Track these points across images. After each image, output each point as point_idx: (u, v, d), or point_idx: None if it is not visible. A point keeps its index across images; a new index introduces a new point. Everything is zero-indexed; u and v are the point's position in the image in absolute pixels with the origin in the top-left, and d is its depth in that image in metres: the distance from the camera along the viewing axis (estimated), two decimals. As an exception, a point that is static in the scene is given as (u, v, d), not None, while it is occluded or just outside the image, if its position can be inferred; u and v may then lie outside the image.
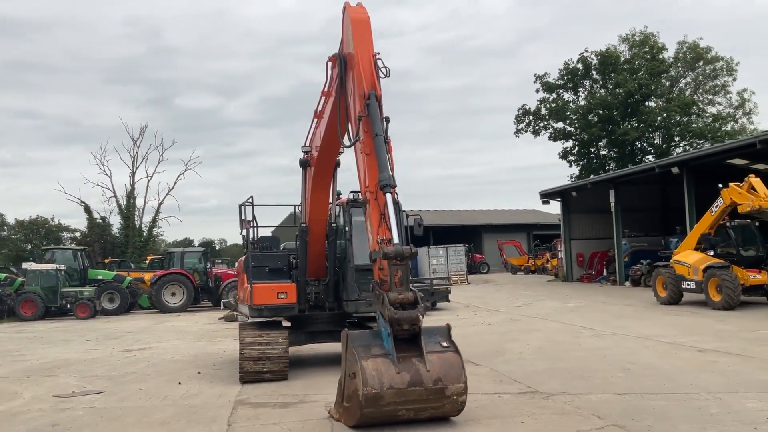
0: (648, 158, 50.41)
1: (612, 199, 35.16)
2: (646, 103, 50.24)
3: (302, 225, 12.02)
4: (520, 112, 54.19)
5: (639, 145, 51.23)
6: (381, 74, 8.81)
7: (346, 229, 12.07)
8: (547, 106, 53.08)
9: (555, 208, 47.78)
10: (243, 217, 13.07)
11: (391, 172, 8.19)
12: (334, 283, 12.24)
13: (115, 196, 53.34)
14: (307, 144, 11.77)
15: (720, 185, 21.80)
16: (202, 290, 31.68)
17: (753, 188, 20.33)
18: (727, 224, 22.63)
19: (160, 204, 53.94)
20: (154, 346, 17.10)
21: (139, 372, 12.73)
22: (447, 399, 7.37)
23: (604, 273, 37.95)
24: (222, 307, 28.13)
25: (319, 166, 11.43)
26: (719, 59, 52.78)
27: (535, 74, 53.79)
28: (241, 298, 13.24)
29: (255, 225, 13.04)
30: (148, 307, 31.45)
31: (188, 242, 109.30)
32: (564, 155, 54.36)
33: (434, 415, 7.49)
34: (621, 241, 35.55)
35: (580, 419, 7.72)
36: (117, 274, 32.14)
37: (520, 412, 8.15)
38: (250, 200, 13.09)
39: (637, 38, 53.12)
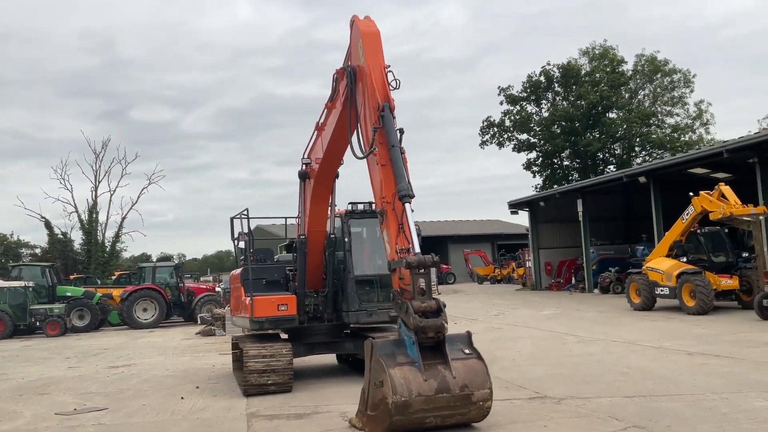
0: (610, 168, 51.57)
1: (580, 208, 35.89)
2: (608, 115, 51.49)
3: (301, 237, 12.05)
4: (485, 124, 54.99)
5: (601, 156, 52.40)
6: (391, 86, 8.97)
7: (346, 240, 12.13)
8: (512, 118, 53.98)
9: (519, 218, 48.67)
10: (241, 231, 13.04)
11: (408, 182, 8.33)
12: (332, 295, 12.29)
13: (77, 211, 52.24)
14: (307, 156, 11.82)
15: (691, 193, 22.48)
16: (174, 305, 31.21)
17: (723, 196, 21.02)
18: (698, 231, 23.36)
19: (124, 218, 53.04)
20: (138, 363, 16.83)
21: (134, 388, 12.53)
22: (473, 405, 7.49)
23: (573, 281, 38.64)
24: (198, 322, 27.77)
25: (319, 178, 11.50)
26: (676, 71, 54.45)
27: (499, 87, 54.70)
28: (237, 311, 13.16)
29: (251, 237, 13.04)
30: (117, 323, 30.85)
31: (146, 257, 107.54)
32: (528, 166, 55.28)
33: (460, 421, 7.60)
34: (589, 250, 36.27)
35: (599, 422, 7.92)
36: (86, 290, 31.47)
37: (538, 416, 8.31)
38: (245, 213, 13.08)
39: (597, 51, 54.44)
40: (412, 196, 8.27)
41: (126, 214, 52.96)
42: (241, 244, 13.31)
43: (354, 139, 9.27)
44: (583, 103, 49.88)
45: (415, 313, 7.50)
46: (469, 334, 8.02)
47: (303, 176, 11.90)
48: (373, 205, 12.36)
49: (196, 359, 16.99)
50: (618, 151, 53.37)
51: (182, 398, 11.15)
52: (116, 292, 33.01)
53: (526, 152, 54.58)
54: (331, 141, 10.66)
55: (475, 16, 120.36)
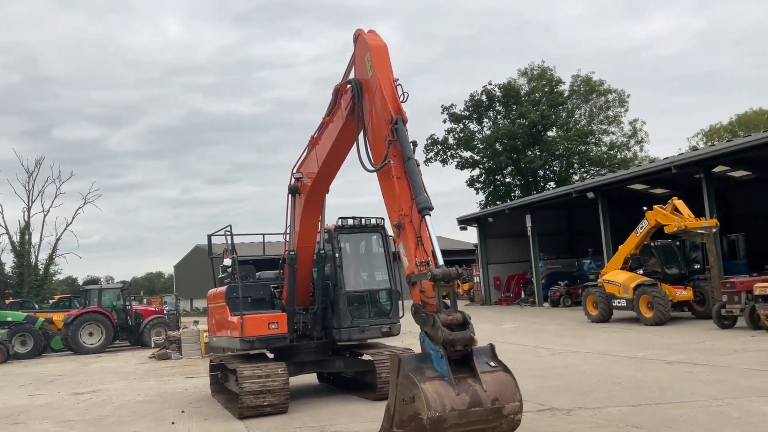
0: (550, 185, 52.93)
1: (528, 223, 36.62)
2: (547, 133, 52.92)
3: (291, 252, 11.80)
4: (429, 141, 55.66)
5: (542, 173, 53.73)
6: (400, 99, 8.93)
7: (336, 255, 11.95)
8: (455, 135, 54.79)
9: (463, 234, 49.15)
10: (227, 248, 12.69)
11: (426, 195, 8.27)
12: (321, 312, 12.07)
13: (8, 233, 49.87)
14: (299, 170, 11.60)
15: (645, 208, 23.24)
16: (121, 329, 30.03)
17: (677, 210, 21.82)
18: (652, 244, 24.14)
19: (58, 239, 50.96)
20: (103, 388, 16.07)
21: (114, 414, 11.95)
22: (504, 418, 7.42)
23: (522, 295, 39.27)
24: (152, 345, 26.82)
25: (312, 192, 11.31)
26: (611, 92, 56.51)
27: (442, 105, 55.62)
28: (221, 330, 12.71)
29: (235, 255, 12.70)
30: (60, 349, 29.47)
31: (72, 281, 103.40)
32: (471, 183, 56.14)
33: (491, 434, 7.52)
34: (538, 264, 36.97)
35: (619, 430, 7.99)
36: (28, 315, 29.94)
37: (557, 428, 8.33)
38: (228, 229, 12.76)
39: (536, 72, 55.96)
40: (432, 209, 8.21)
41: (60, 235, 50.95)
42: (227, 261, 12.98)
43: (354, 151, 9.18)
44: (524, 121, 51.12)
45: (443, 326, 7.42)
46: (492, 347, 7.97)
47: (293, 191, 11.65)
48: (364, 220, 12.38)
49: (163, 383, 16.36)
50: (557, 169, 54.83)
51: (173, 423, 10.70)
52: (57, 317, 31.63)
53: (469, 169, 55.48)
54: (329, 155, 10.50)
55: (408, 37, 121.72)
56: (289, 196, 11.80)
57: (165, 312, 34.30)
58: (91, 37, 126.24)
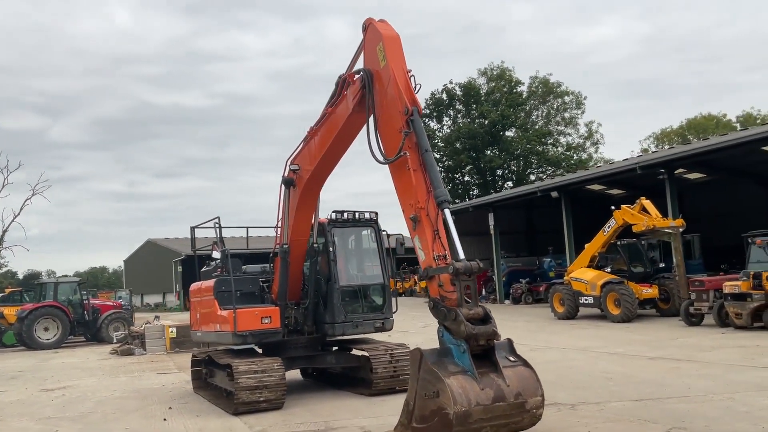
0: (508, 185, 53.54)
1: (491, 221, 36.94)
2: (506, 133, 53.51)
3: (284, 246, 11.54)
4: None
5: (500, 173, 54.30)
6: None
7: (330, 249, 11.75)
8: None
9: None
10: (216, 240, 12.36)
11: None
12: (313, 306, 11.87)
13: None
14: (295, 162, 11.36)
15: (612, 207, 23.67)
16: (78, 324, 29.07)
17: (645, 209, 22.29)
18: (618, 243, 24.61)
19: (5, 232, 49.07)
20: (72, 385, 15.48)
21: (98, 411, 11.50)
22: (527, 413, 7.39)
23: (483, 292, 39.57)
24: (114, 340, 26.05)
25: (308, 185, 11.09)
26: (568, 93, 57.48)
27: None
28: (207, 325, 12.36)
29: (224, 247, 12.39)
30: (13, 344, 28.40)
31: (11, 274, 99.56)
32: (430, 181, 56.22)
33: (512, 429, 7.47)
34: (500, 262, 37.34)
35: (637, 425, 8.06)
36: (-21, 309, 28.73)
37: (570, 422, 8.33)
38: (217, 222, 12.43)
39: (495, 72, 56.50)
40: (451, 202, 8.12)
41: (7, 228, 49.07)
42: (215, 254, 12.64)
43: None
44: (484, 120, 51.57)
45: (466, 321, 7.35)
46: (510, 341, 7.94)
47: (288, 183, 11.39)
48: (358, 214, 12.22)
49: (136, 380, 15.87)
50: (515, 168, 55.50)
51: (165, 420, 10.35)
52: (8, 311, 30.46)
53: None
54: (330, 146, 10.31)
55: (360, 33, 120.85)
56: (283, 188, 11.56)
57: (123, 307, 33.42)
58: (34, 23, 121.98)
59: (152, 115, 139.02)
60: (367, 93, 9.05)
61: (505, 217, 39.48)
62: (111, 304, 32.17)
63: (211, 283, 12.20)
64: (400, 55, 8.91)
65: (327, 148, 10.36)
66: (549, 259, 36.86)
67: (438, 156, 54.94)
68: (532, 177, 54.27)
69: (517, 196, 36.72)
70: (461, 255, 7.75)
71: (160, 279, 66.45)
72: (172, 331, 23.36)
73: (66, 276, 68.14)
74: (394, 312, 12.13)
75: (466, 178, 55.69)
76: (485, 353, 7.50)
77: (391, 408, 10.08)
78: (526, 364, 7.68)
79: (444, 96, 54.38)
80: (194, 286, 13.46)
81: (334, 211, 12.01)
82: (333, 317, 11.55)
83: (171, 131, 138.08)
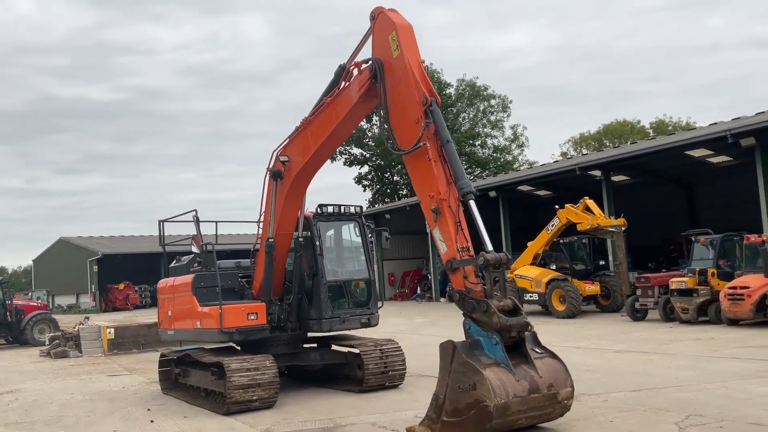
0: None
1: (428, 221, 37.18)
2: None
3: (270, 240, 11.17)
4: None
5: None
6: None
7: (317, 243, 11.46)
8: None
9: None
10: (195, 234, 11.81)
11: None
12: (297, 302, 11.54)
13: None
14: (284, 153, 11.01)
15: (556, 206, 24.31)
16: (0, 325, 27.31)
17: (588, 209, 23.01)
18: (560, 241, 25.30)
19: None
20: (19, 389, 14.47)
21: (69, 415, 10.78)
22: (558, 404, 7.43)
23: (418, 291, 39.86)
24: (47, 343, 24.55)
25: (298, 177, 10.81)
26: (494, 97, 58.70)
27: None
28: (181, 322, 11.80)
29: (202, 242, 11.88)
30: (-77, 347, 26.39)
31: None
32: (359, 180, 56.30)
33: (544, 420, 7.51)
34: (436, 260, 37.65)
35: (650, 413, 8.25)
36: None
37: (583, 414, 8.42)
38: (195, 214, 11.92)
39: (424, 73, 56.91)
40: (475, 193, 8.07)
41: None
42: (194, 249, 12.10)
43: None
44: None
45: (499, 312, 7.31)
46: (534, 333, 7.95)
47: (276, 175, 11.03)
48: (343, 208, 11.99)
49: (88, 382, 14.98)
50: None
51: (152, 421, 9.81)
52: None
53: (358, 166, 55.58)
54: (330, 136, 10.06)
55: (278, 31, 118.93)
56: (269, 180, 11.19)
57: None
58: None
59: (55, 108, 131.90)
60: (379, 83, 8.86)
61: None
62: (36, 304, 30.39)
63: (188, 278, 11.67)
64: (414, 44, 8.80)
65: (325, 138, 10.10)
66: (483, 258, 37.41)
67: (368, 155, 55.01)
68: (469, 177, 55.08)
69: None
70: (489, 246, 7.71)
71: (74, 279, 63.33)
72: (109, 332, 22.30)
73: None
74: (380, 307, 11.96)
75: (395, 178, 55.94)
76: (514, 345, 7.49)
77: (391, 403, 9.98)
78: (553, 355, 7.73)
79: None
80: (164, 282, 12.84)
81: (320, 205, 11.73)
82: (320, 313, 11.26)
83: (75, 125, 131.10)
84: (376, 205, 49.37)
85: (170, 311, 12.34)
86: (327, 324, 11.30)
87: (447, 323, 24.50)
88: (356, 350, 11.30)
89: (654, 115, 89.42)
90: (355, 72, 9.54)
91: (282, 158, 10.97)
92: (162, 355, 12.87)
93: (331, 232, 11.98)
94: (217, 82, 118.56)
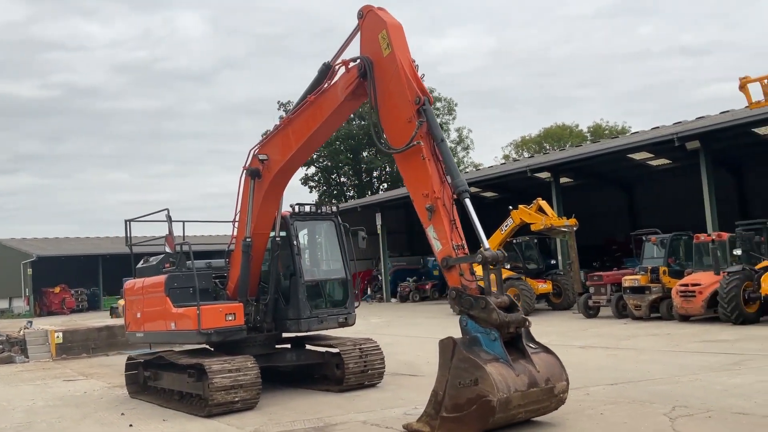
0: (384, 186, 54.33)
1: (378, 221, 37.36)
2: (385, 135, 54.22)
3: (247, 239, 11.02)
4: (264, 138, 54.53)
5: (376, 174, 55.00)
6: None
7: (294, 243, 11.38)
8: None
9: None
10: (168, 233, 11.54)
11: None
12: (273, 302, 11.42)
13: None
14: (263, 152, 10.88)
15: (510, 207, 24.77)
16: (-67, 331, 25.99)
17: (541, 209, 23.54)
18: (513, 242, 25.79)
19: None
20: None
21: (38, 421, 10.35)
22: (554, 397, 7.60)
23: (368, 291, 39.91)
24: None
25: (278, 176, 10.72)
26: (440, 100, 59.23)
27: (278, 101, 54.83)
28: (152, 323, 11.50)
29: (174, 241, 11.64)
30: None
31: None
32: (305, 181, 55.99)
33: (540, 414, 7.67)
34: (387, 261, 37.83)
35: (636, 406, 8.50)
36: None
37: (573, 408, 8.56)
38: (167, 213, 11.68)
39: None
40: (470, 192, 8.18)
41: None
42: (168, 249, 11.82)
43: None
44: (362, 122, 51.99)
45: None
46: (528, 329, 8.08)
47: (254, 174, 10.88)
48: (318, 207, 11.95)
49: (46, 388, 14.44)
50: (389, 169, 56.45)
51: (131, 425, 9.55)
52: None
53: (304, 167, 55.17)
54: (313, 134, 10.00)
55: (215, 30, 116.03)
56: (246, 178, 11.04)
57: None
58: None
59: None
60: (369, 81, 8.87)
61: (390, 217, 40.10)
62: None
63: (160, 279, 11.38)
64: (405, 43, 8.84)
65: (308, 136, 10.03)
66: (433, 258, 37.85)
67: (315, 156, 54.68)
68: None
69: (406, 196, 37.36)
70: (486, 244, 7.83)
71: (6, 282, 60.75)
72: (58, 337, 21.54)
73: None
74: (356, 307, 11.96)
75: (342, 179, 55.87)
76: (511, 340, 7.61)
77: (376, 402, 9.99)
78: (547, 350, 7.89)
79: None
80: (131, 283, 12.49)
81: (297, 204, 11.63)
82: (298, 313, 11.17)
83: (2, 123, 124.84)
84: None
85: (139, 313, 12.01)
86: (305, 324, 11.22)
87: (402, 323, 24.71)
88: (336, 349, 11.25)
89: (589, 120, 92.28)
90: (342, 70, 9.51)
91: (261, 156, 10.83)
92: (129, 358, 12.53)
93: (306, 232, 11.91)
94: (151, 81, 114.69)
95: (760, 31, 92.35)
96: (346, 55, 9.60)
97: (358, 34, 9.26)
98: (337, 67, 9.59)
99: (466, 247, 8.04)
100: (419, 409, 8.91)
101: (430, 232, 8.25)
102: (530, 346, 7.80)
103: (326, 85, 9.72)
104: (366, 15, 9.07)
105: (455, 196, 8.17)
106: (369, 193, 52.45)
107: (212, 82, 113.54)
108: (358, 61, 9.09)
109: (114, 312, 36.94)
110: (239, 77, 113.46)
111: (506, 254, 8.16)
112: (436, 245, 8.17)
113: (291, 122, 10.37)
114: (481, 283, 7.74)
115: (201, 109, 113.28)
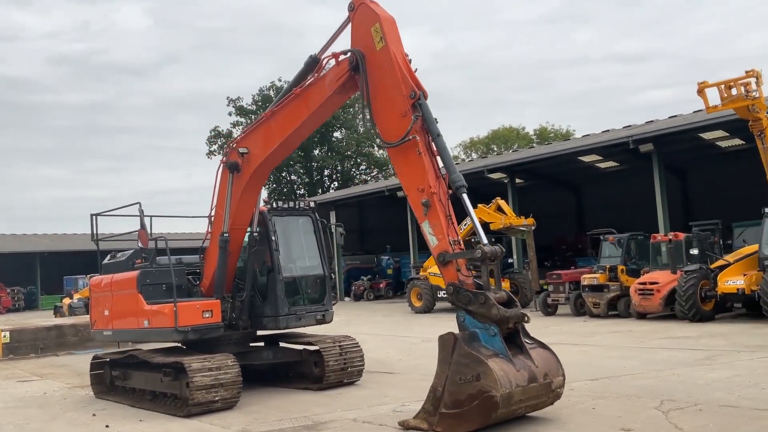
0: (334, 184, 54.12)
1: (333, 219, 37.09)
2: (335, 134, 54.10)
3: (224, 235, 10.75)
4: (212, 134, 53.86)
5: (327, 172, 54.74)
6: None
7: (273, 238, 11.15)
8: (243, 129, 53.53)
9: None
10: (141, 228, 11.12)
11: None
12: (249, 299, 11.18)
13: None
14: (243, 144, 10.62)
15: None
16: None
17: (500, 209, 23.80)
18: (472, 240, 25.95)
19: None
20: None
21: (4, 423, 9.83)
22: (552, 392, 7.65)
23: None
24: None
25: (258, 170, 10.50)
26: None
27: (228, 97, 54.08)
28: (122, 320, 11.10)
29: (151, 236, 11.27)
30: None
31: None
32: (254, 178, 55.16)
33: (538, 408, 7.72)
34: (341, 260, 37.65)
35: (624, 400, 8.64)
36: None
37: (564, 402, 8.64)
38: (140, 207, 11.28)
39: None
40: (467, 186, 8.16)
41: None
42: (140, 244, 11.41)
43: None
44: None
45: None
46: (524, 325, 8.10)
47: (233, 168, 10.61)
48: (295, 203, 11.80)
49: (8, 388, 13.83)
50: (341, 168, 56.29)
51: (107, 426, 9.18)
52: None
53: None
54: (298, 128, 9.81)
55: (156, 23, 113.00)
56: (224, 172, 10.77)
57: None
58: None
59: None
60: (361, 75, 8.75)
61: (342, 216, 39.93)
62: None
63: (132, 275, 11.00)
64: (398, 37, 8.77)
65: (293, 130, 9.84)
66: (387, 257, 37.96)
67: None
68: (366, 178, 55.52)
69: (362, 194, 37.40)
70: (484, 239, 7.83)
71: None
72: (4, 336, 20.64)
73: None
74: (334, 304, 11.82)
75: (292, 177, 55.37)
76: (509, 335, 7.63)
77: (360, 399, 9.90)
78: (543, 345, 7.94)
79: (272, 93, 53.61)
80: (98, 279, 12.05)
81: (274, 199, 11.43)
82: (276, 310, 10.96)
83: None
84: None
85: (107, 310, 11.58)
86: (283, 321, 11.02)
87: (362, 321, 24.62)
88: (315, 347, 11.09)
89: (532, 123, 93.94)
90: (330, 63, 9.36)
91: (241, 150, 10.57)
92: (95, 357, 12.07)
93: (285, 227, 11.68)
94: (88, 74, 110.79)
95: (692, 41, 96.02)
96: (334, 48, 9.47)
97: (348, 26, 9.14)
98: (325, 60, 9.44)
99: (461, 242, 8.02)
100: (407, 406, 8.92)
101: (426, 228, 8.20)
102: (527, 342, 7.83)
103: (314, 77, 9.56)
104: (358, 8, 8.94)
105: (451, 192, 8.14)
106: (320, 191, 52.13)
107: (152, 77, 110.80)
108: (349, 54, 8.95)
109: (58, 311, 35.69)
110: (180, 72, 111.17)
111: (504, 249, 8.16)
112: (432, 240, 8.12)
113: (274, 115, 10.15)
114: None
115: (139, 103, 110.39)
